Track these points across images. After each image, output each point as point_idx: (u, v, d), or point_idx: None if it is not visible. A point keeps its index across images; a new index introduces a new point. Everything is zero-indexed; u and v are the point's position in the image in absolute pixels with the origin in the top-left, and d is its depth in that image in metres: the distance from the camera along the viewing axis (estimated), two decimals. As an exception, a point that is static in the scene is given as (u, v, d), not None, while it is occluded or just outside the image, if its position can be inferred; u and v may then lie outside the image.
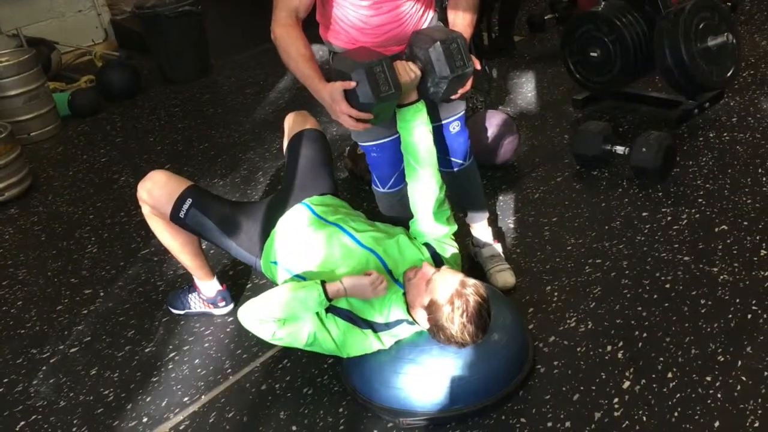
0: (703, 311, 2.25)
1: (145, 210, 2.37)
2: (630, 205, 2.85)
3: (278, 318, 1.93)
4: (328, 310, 1.97)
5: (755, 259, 2.44)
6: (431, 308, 1.89)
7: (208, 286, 2.58)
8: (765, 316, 2.20)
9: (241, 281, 2.78)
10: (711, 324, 2.20)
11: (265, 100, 4.51)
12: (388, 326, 1.99)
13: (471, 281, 1.90)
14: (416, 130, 2.13)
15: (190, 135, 4.19)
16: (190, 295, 2.62)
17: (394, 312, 1.98)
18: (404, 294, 1.99)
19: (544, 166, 3.25)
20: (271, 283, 2.63)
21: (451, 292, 1.86)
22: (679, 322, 2.23)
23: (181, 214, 2.27)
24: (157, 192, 2.30)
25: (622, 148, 3.03)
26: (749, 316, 2.21)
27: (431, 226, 2.20)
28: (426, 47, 2.03)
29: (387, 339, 2.01)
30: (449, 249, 2.19)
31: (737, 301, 2.28)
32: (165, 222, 2.34)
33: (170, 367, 2.39)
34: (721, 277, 2.38)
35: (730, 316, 2.23)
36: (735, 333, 2.16)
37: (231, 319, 2.57)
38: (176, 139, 4.16)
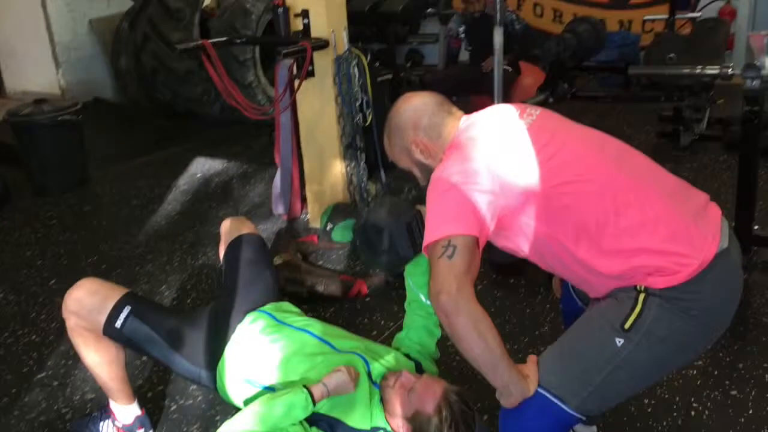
0: (649, 410, 2.32)
1: (71, 322, 2.11)
2: (553, 311, 2.94)
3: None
4: (310, 423, 1.82)
5: (681, 358, 2.57)
6: (416, 420, 1.80)
7: (127, 411, 2.30)
8: (707, 412, 2.31)
9: (162, 403, 2.52)
10: (660, 422, 2.27)
11: (156, 212, 4.29)
12: None
13: (454, 388, 1.84)
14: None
15: (75, 248, 3.86)
16: (102, 423, 2.33)
17: (375, 417, 1.87)
18: (381, 399, 1.89)
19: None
20: (210, 400, 2.42)
21: (437, 401, 1.78)
22: (631, 421, 2.28)
23: (118, 324, 2.05)
24: (89, 301, 2.08)
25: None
26: (692, 413, 2.31)
27: (425, 338, 2.19)
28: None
29: None
30: (431, 365, 2.16)
31: (677, 399, 2.37)
32: (94, 336, 2.10)
33: (93, 506, 2.07)
34: (656, 376, 2.48)
35: (675, 414, 2.31)
36: (685, 429, 2.24)
37: (159, 446, 2.30)
38: (59, 253, 3.81)
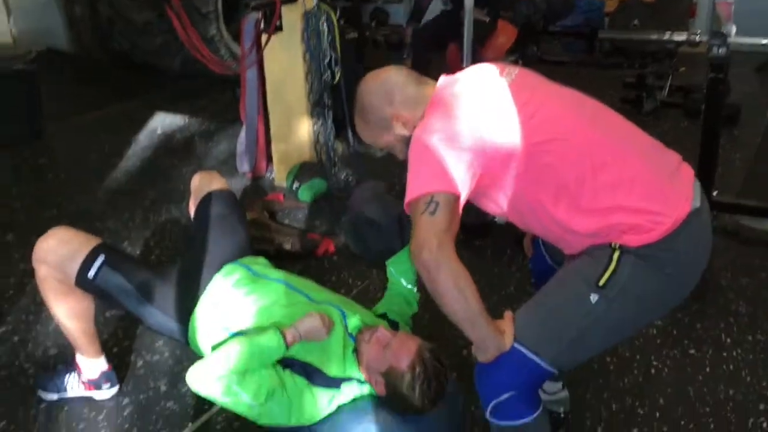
0: (611, 368, 2.39)
1: (41, 272, 2.06)
2: (519, 271, 2.99)
3: (237, 370, 1.73)
4: (284, 365, 1.82)
5: (642, 318, 2.65)
6: (390, 375, 1.81)
7: (94, 365, 2.27)
8: (666, 370, 2.38)
9: (128, 359, 2.49)
10: (622, 379, 2.34)
11: (117, 168, 4.18)
12: (341, 382, 1.88)
13: (428, 345, 1.86)
14: None
15: (31, 202, 3.75)
16: (67, 376, 2.29)
17: (349, 367, 1.88)
18: (355, 350, 1.90)
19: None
20: (177, 356, 2.41)
21: (411, 358, 1.80)
22: (594, 378, 2.34)
23: (90, 274, 2.00)
24: (62, 250, 2.02)
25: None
26: (652, 371, 2.38)
27: (404, 306, 2.24)
28: None
29: (338, 398, 1.88)
30: (406, 327, 2.18)
31: (638, 357, 2.45)
32: (65, 287, 2.05)
33: (60, 461, 2.06)
34: (618, 335, 2.55)
35: (636, 371, 2.38)
36: (645, 386, 2.31)
37: (126, 401, 2.28)
38: (14, 207, 3.70)
